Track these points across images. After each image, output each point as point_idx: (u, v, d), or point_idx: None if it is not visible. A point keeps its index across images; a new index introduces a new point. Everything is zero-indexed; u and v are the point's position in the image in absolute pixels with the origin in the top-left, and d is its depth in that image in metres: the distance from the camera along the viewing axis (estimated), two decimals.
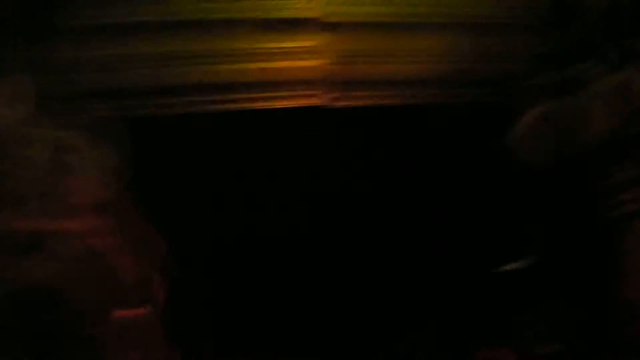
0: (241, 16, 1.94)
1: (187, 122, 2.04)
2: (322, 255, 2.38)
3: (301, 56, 2.03)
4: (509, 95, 2.21)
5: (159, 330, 1.88)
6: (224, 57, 1.97)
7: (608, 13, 2.09)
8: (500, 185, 2.44)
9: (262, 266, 2.29)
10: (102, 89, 1.89)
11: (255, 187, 2.22)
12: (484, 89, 2.21)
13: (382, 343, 2.50)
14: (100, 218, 1.71)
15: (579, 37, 2.21)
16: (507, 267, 2.61)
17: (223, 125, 2.03)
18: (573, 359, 2.54)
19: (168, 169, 2.06)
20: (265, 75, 2.02)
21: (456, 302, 2.69)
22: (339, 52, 2.07)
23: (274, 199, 2.24)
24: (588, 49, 2.20)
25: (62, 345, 1.68)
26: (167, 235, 1.94)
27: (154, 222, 1.93)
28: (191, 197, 2.11)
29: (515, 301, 2.70)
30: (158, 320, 1.87)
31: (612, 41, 2.14)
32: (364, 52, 2.09)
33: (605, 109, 2.16)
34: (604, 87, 2.18)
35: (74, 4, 1.85)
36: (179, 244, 1.97)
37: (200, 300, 2.22)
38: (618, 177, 2.19)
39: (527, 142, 2.17)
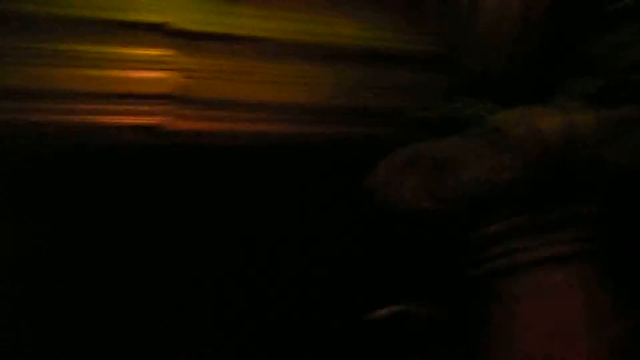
0: (70, 14, 1.64)
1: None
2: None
3: (146, 66, 1.72)
4: (388, 130, 1.98)
5: None
6: (50, 59, 1.65)
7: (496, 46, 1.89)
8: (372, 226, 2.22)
9: None
10: None
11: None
12: (362, 121, 1.96)
13: None
14: None
15: (463, 75, 2.00)
16: (379, 314, 2.46)
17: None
18: None
19: None
20: (99, 84, 1.70)
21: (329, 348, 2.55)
22: (194, 66, 1.78)
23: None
24: (472, 87, 2.00)
25: None
26: None
27: None
28: None
29: (391, 349, 2.55)
30: None
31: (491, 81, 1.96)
32: (222, 68, 1.81)
33: (479, 154, 1.96)
34: (479, 130, 1.98)
35: None
36: None
37: None
38: (487, 230, 1.99)
39: (385, 186, 1.93)
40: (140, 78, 1.72)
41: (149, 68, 1.72)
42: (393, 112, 1.97)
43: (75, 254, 2.22)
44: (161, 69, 1.73)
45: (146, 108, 1.71)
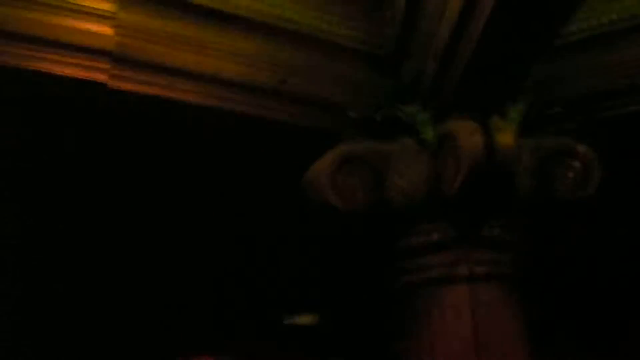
0: None
1: None
2: None
3: (87, 18, 1.70)
4: (328, 124, 2.02)
5: None
6: None
7: (443, 57, 1.92)
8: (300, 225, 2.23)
9: None
10: None
11: None
12: (300, 109, 1.94)
13: None
14: None
15: (412, 77, 2.04)
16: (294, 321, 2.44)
17: None
18: None
19: None
20: (37, 29, 1.66)
21: None
22: (137, 25, 1.76)
23: None
24: (419, 92, 2.03)
25: None
26: None
27: None
28: None
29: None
30: None
31: (440, 88, 1.98)
32: (166, 33, 1.78)
33: (418, 162, 1.99)
34: (422, 137, 2.00)
35: None
36: None
37: None
38: (416, 241, 2.01)
39: (320, 184, 1.95)
40: (80, 29, 1.69)
41: (90, 20, 1.69)
42: (334, 105, 1.99)
43: None
44: (102, 24, 1.71)
45: (83, 60, 1.69)
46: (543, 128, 2.04)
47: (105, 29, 1.73)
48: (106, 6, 1.73)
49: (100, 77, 1.73)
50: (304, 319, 2.44)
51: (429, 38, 1.93)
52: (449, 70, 1.92)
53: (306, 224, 2.07)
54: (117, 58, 1.74)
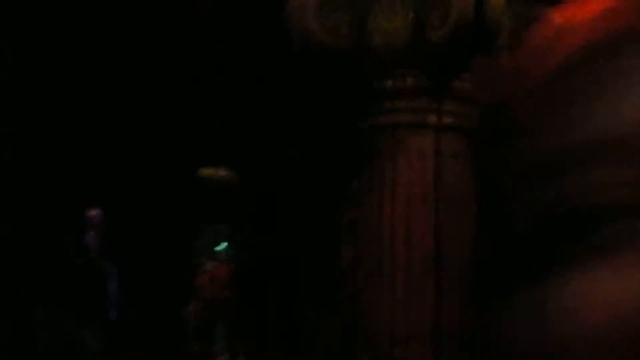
0: None
1: None
2: None
3: None
4: None
5: None
6: None
7: None
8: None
9: None
10: None
11: None
12: None
13: None
14: None
15: None
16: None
17: None
18: None
19: None
20: None
21: None
22: None
23: None
24: None
25: None
26: None
27: None
28: None
29: None
30: None
31: None
32: None
33: (404, 8, 1.98)
34: None
35: None
36: None
37: None
38: (391, 84, 2.02)
39: (304, 16, 1.93)
40: None
41: None
42: None
43: None
44: None
45: None
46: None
47: None
48: None
49: None
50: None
51: None
52: None
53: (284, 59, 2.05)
54: None
